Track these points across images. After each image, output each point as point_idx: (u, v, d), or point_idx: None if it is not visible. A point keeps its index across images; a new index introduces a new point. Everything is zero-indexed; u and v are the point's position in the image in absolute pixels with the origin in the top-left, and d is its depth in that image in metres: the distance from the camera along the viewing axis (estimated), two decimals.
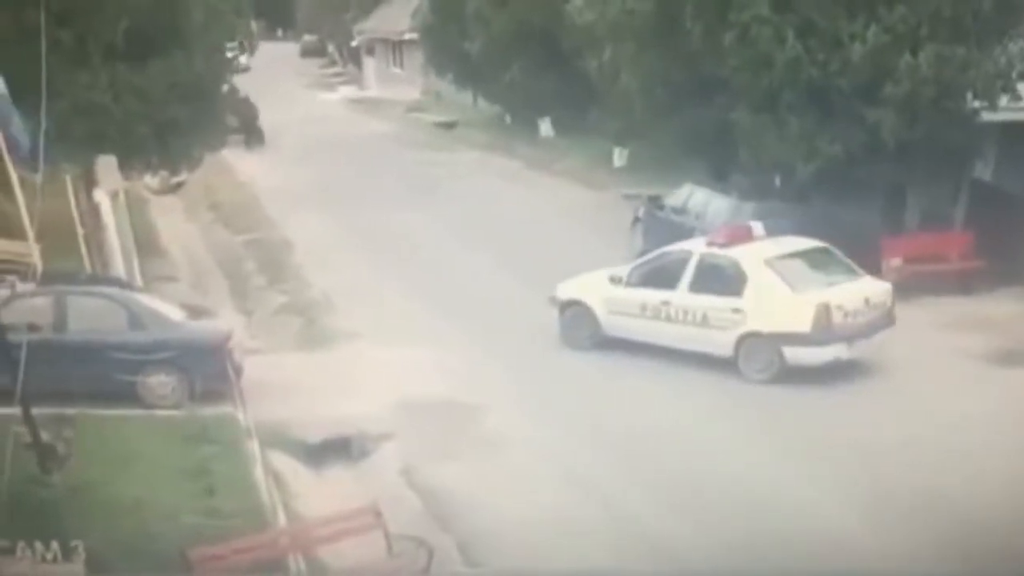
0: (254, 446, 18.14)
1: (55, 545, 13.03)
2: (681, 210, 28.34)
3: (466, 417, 19.81)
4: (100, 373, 19.12)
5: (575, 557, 15.21)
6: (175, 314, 20.87)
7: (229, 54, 31.08)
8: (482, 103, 56.54)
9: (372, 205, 36.84)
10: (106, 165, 26.20)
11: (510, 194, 39.23)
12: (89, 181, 27.41)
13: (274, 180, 42.63)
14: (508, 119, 53.29)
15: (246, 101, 45.39)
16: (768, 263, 21.68)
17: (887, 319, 21.75)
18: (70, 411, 16.70)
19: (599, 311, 22.97)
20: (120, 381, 19.34)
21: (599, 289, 23.04)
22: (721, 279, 21.79)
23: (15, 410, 14.63)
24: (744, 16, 25.34)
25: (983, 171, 27.60)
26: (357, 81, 79.97)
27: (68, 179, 27.21)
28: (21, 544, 12.97)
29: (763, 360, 21.09)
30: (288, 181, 42.28)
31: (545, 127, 49.48)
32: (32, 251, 18.41)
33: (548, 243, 30.47)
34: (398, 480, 17.90)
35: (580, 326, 23.20)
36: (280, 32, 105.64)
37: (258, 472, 17.22)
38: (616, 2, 29.28)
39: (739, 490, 16.78)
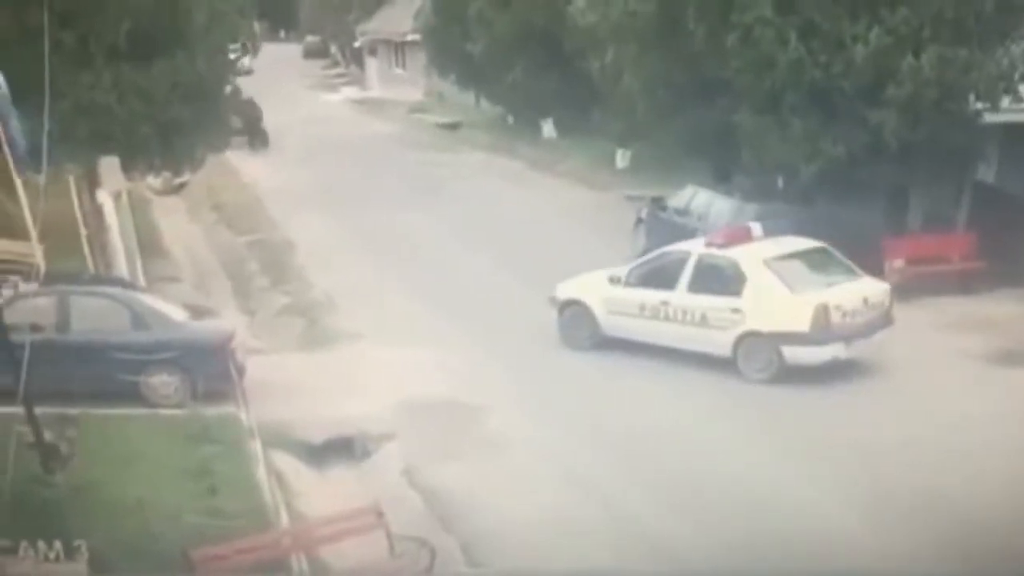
0: (256, 446, 18.16)
1: (58, 545, 13.06)
2: (684, 211, 28.36)
3: (467, 417, 19.83)
4: (103, 373, 19.17)
5: (576, 557, 15.21)
6: (178, 314, 20.90)
7: (232, 55, 31.06)
8: (485, 104, 56.56)
9: (375, 206, 36.87)
10: (109, 166, 26.24)
11: (513, 195, 39.24)
12: (92, 182, 27.45)
13: (277, 181, 42.67)
14: (511, 120, 53.32)
15: (250, 102, 45.47)
16: (767, 263, 21.72)
17: (886, 319, 21.78)
18: (73, 411, 16.72)
19: (598, 311, 23.00)
20: (123, 381, 19.38)
21: (598, 289, 23.07)
22: (720, 279, 21.82)
23: (18, 410, 14.64)
24: (747, 17, 25.35)
25: (985, 172, 27.60)
26: (360, 82, 80.00)
27: (71, 180, 27.30)
28: (24, 544, 12.99)
29: (762, 360, 21.12)
30: (291, 182, 42.32)
31: (548, 128, 49.51)
32: (35, 251, 18.41)
33: (550, 244, 30.49)
34: (400, 480, 17.92)
35: (579, 326, 23.23)
36: (283, 33, 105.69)
37: (260, 472, 17.24)
38: (618, 3, 29.27)
39: (739, 490, 16.80)
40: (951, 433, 18.36)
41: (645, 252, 25.21)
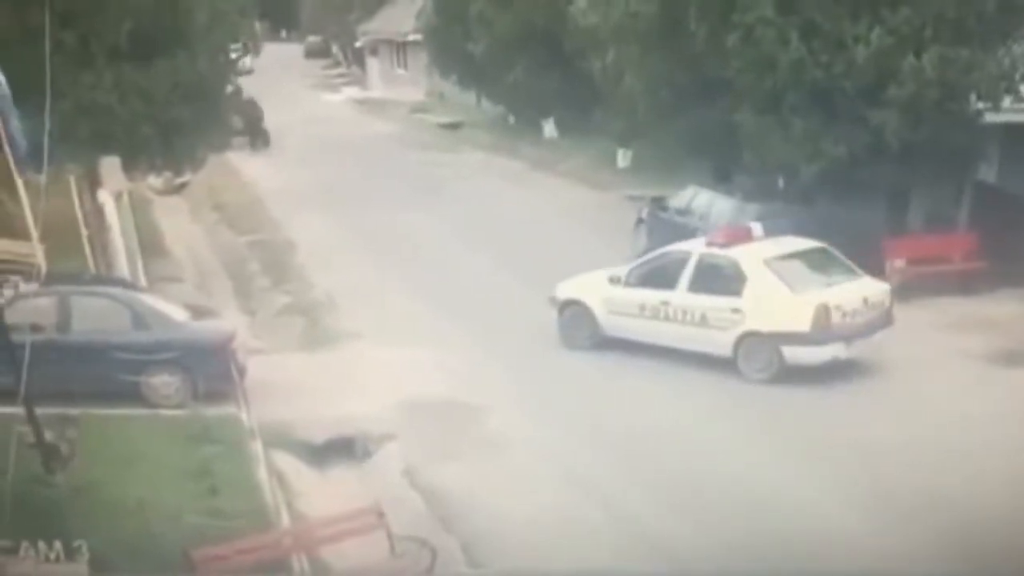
0: (257, 446, 18.17)
1: (58, 545, 13.06)
2: (685, 211, 28.36)
3: (468, 417, 19.84)
4: (104, 373, 19.18)
5: (576, 557, 15.22)
6: (179, 314, 20.90)
7: (233, 55, 31.06)
8: (486, 104, 56.54)
9: (376, 206, 36.87)
10: (110, 166, 26.26)
11: (514, 195, 39.26)
12: (93, 182, 27.46)
13: (278, 181, 42.67)
14: (512, 120, 53.32)
15: (251, 103, 45.46)
16: (767, 263, 21.72)
17: (886, 319, 21.79)
18: (74, 411, 16.68)
19: (598, 311, 23.00)
20: (124, 381, 19.39)
21: (598, 289, 23.07)
22: (720, 279, 21.83)
23: (19, 410, 14.62)
24: (748, 18, 25.35)
25: (987, 172, 27.59)
26: (361, 82, 80.00)
27: (72, 180, 27.28)
28: (25, 544, 12.99)
29: (762, 360, 21.13)
30: (292, 182, 42.32)
31: (549, 128, 49.51)
32: (36, 251, 18.40)
33: (551, 244, 30.49)
34: (401, 480, 17.92)
35: (579, 326, 23.23)
36: (284, 33, 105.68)
37: (261, 472, 17.25)
38: (620, 4, 29.27)
39: (739, 490, 16.80)
40: (951, 433, 18.36)
41: (646, 252, 25.20)
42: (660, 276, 22.47)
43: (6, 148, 15.28)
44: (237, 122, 39.22)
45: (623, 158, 41.20)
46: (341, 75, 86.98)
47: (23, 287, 18.64)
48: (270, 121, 51.38)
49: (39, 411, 15.00)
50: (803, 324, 20.89)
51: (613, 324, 22.87)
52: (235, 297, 28.80)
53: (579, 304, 23.24)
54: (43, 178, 16.25)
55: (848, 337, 21.08)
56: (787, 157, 26.13)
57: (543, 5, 44.63)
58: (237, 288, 29.69)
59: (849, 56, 25.05)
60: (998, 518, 15.63)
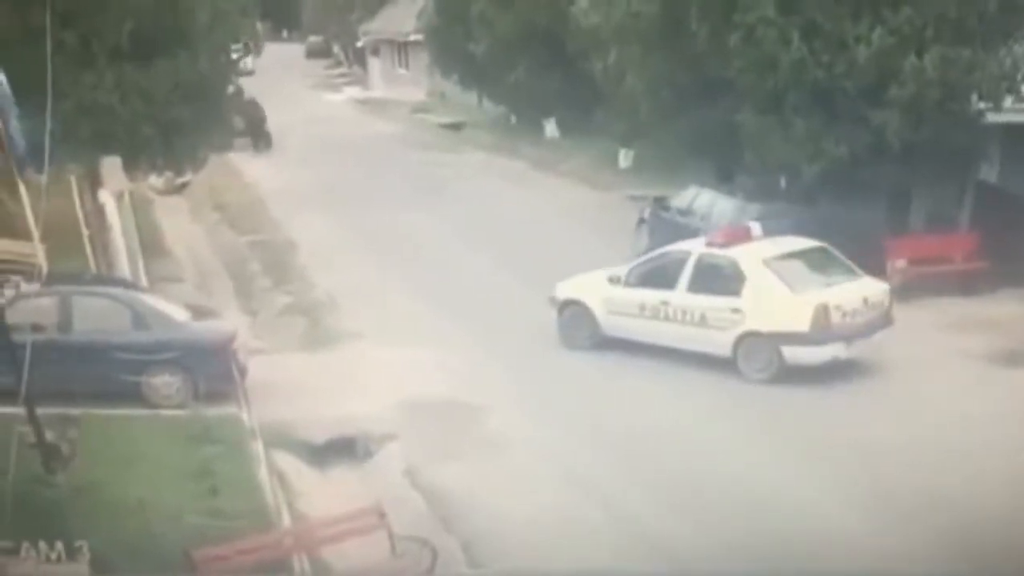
0: (258, 446, 18.16)
1: (59, 545, 13.04)
2: (686, 211, 28.36)
3: (469, 417, 19.84)
4: (104, 373, 19.19)
5: (577, 557, 15.22)
6: (180, 314, 20.89)
7: (234, 55, 31.06)
8: (487, 104, 56.54)
9: (377, 206, 36.87)
10: (111, 166, 26.25)
11: (515, 195, 39.25)
12: (94, 182, 27.46)
13: (279, 181, 42.66)
14: (513, 120, 53.32)
15: (254, 104, 45.43)
16: (767, 263, 21.73)
17: (885, 319, 21.79)
18: (74, 411, 16.68)
19: (598, 311, 23.00)
20: (124, 381, 19.39)
21: (598, 289, 23.07)
22: (720, 279, 21.83)
23: (20, 410, 14.63)
24: (749, 18, 25.33)
25: (988, 173, 27.59)
26: (362, 82, 79.99)
27: (73, 180, 27.30)
28: (26, 544, 12.98)
29: (762, 360, 21.13)
30: (293, 182, 42.31)
31: (550, 128, 49.51)
32: (37, 251, 18.41)
33: (553, 244, 30.49)
34: (402, 481, 17.92)
35: (579, 326, 23.23)
36: (285, 33, 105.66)
37: (262, 472, 17.24)
38: (621, 4, 29.26)
39: (739, 490, 16.79)
40: (952, 433, 18.36)
41: (647, 252, 25.21)
42: (659, 276, 22.46)
43: (10, 147, 15.28)
44: (239, 123, 39.22)
45: (625, 158, 41.20)
46: (342, 75, 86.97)
47: (24, 287, 18.71)
48: (271, 121, 51.39)
49: (40, 411, 15.01)
50: (803, 324, 20.89)
51: (613, 324, 22.87)
52: (236, 297, 28.79)
53: (579, 304, 23.24)
54: (44, 178, 16.26)
55: (848, 337, 21.08)
56: (788, 157, 26.11)
57: (544, 5, 44.61)
58: (238, 288, 29.69)
59: (850, 56, 25.04)
60: (998, 518, 15.62)
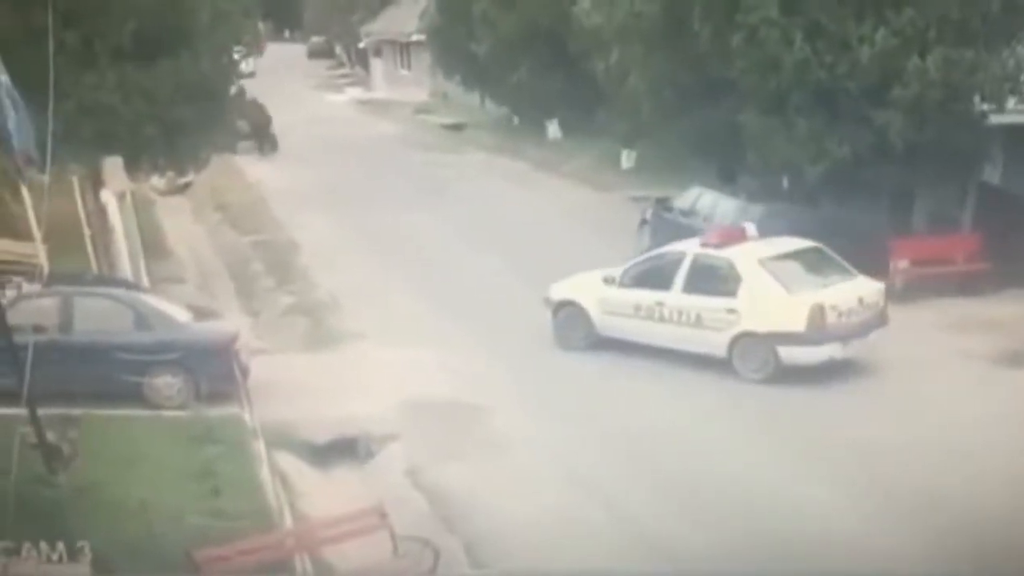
0: (260, 447, 18.15)
1: (61, 546, 13.01)
2: (689, 212, 28.36)
3: (471, 418, 19.84)
4: (106, 374, 19.17)
5: (578, 558, 15.22)
6: (181, 315, 20.87)
7: (236, 56, 31.05)
8: (489, 105, 56.52)
9: (379, 206, 36.87)
10: (113, 166, 26.23)
11: (517, 196, 39.25)
12: (96, 182, 27.46)
13: (281, 181, 42.66)
14: (516, 121, 53.32)
15: (259, 107, 45.28)
16: (762, 263, 21.74)
17: (880, 318, 21.81)
18: (76, 412, 16.67)
19: (593, 312, 23.00)
20: (126, 382, 19.36)
21: (593, 289, 23.07)
22: (715, 279, 21.85)
23: (21, 411, 14.61)
24: (752, 18, 25.31)
25: (991, 174, 27.58)
26: (364, 83, 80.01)
27: (75, 180, 27.28)
28: (27, 544, 12.96)
29: (758, 360, 21.13)
30: (295, 182, 42.31)
31: (552, 129, 49.50)
32: (39, 252, 18.43)
33: (555, 245, 30.47)
34: (404, 481, 17.91)
35: (574, 327, 23.23)
36: (287, 33, 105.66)
37: (264, 473, 17.22)
38: (624, 4, 29.23)
39: (737, 490, 16.81)
40: (952, 433, 18.34)
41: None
42: (655, 277, 22.47)
43: (12, 144, 15.26)
44: (244, 126, 39.22)
45: (627, 159, 41.19)
46: (344, 76, 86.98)
47: (26, 287, 18.74)
48: (274, 121, 51.30)
49: (41, 412, 15.00)
50: (799, 324, 20.90)
51: (608, 325, 22.87)
52: (238, 298, 28.80)
53: (574, 305, 23.25)
54: (46, 178, 16.25)
55: (844, 337, 21.11)
56: (791, 158, 26.10)
57: (547, 5, 44.60)
58: (240, 289, 29.69)
59: (853, 57, 25.02)
60: (999, 519, 15.62)
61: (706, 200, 28.20)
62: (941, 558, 14.91)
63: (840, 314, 21.17)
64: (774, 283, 21.48)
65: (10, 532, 12.92)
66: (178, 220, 37.54)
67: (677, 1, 27.09)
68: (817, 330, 20.91)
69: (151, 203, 37.96)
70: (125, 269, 24.96)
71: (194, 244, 34.80)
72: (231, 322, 23.05)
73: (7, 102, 15.14)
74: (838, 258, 22.27)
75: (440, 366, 22.08)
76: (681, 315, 21.83)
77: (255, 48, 35.94)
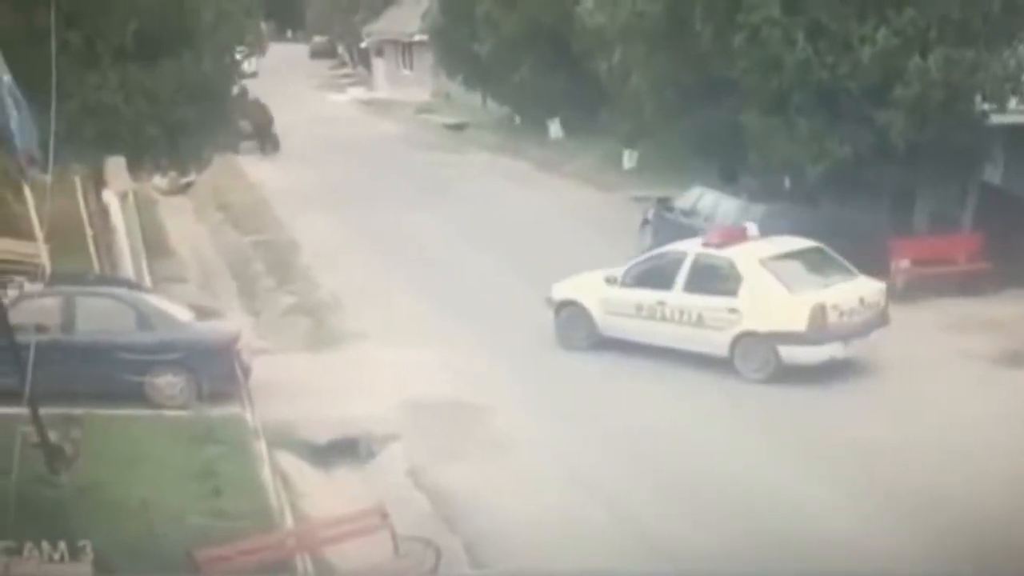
0: (261, 447, 18.16)
1: (62, 545, 13.03)
2: (690, 212, 28.36)
3: (473, 418, 19.85)
4: (108, 373, 19.18)
5: (580, 558, 15.24)
6: (183, 315, 20.87)
7: (239, 56, 31.09)
8: (492, 104, 56.54)
9: (381, 206, 36.87)
10: (115, 166, 26.25)
11: (519, 196, 39.24)
12: (98, 182, 27.48)
13: (283, 181, 42.67)
14: (518, 120, 53.30)
15: (261, 107, 45.27)
16: (763, 263, 21.76)
17: (882, 318, 21.83)
18: (78, 411, 16.69)
19: (595, 311, 23.01)
20: (128, 381, 19.38)
21: (595, 289, 23.09)
22: (716, 279, 21.87)
23: (23, 410, 14.63)
24: (754, 18, 25.33)
25: (992, 173, 27.58)
26: (367, 82, 79.99)
27: (77, 180, 27.30)
28: (29, 544, 12.97)
29: (759, 359, 21.15)
30: (297, 182, 42.32)
31: (555, 128, 49.48)
32: (41, 252, 18.47)
33: (557, 245, 30.46)
34: (405, 481, 17.92)
35: (576, 327, 23.25)
36: (290, 33, 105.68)
37: (265, 473, 17.23)
38: (626, 4, 29.24)
39: (738, 490, 16.83)
40: (953, 433, 18.35)
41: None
42: (656, 276, 22.49)
43: (16, 142, 15.28)
44: (246, 126, 39.22)
45: (629, 159, 41.19)
46: (347, 75, 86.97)
47: (28, 287, 18.75)
48: (276, 121, 51.31)
49: (43, 411, 15.01)
50: (799, 324, 20.92)
51: (610, 324, 22.88)
52: (240, 297, 28.82)
53: (575, 305, 23.26)
54: (48, 178, 16.27)
55: (845, 336, 21.13)
56: (792, 157, 26.12)
57: (549, 5, 44.59)
58: (242, 288, 29.72)
59: (855, 57, 25.04)
60: (999, 519, 15.63)
61: (708, 200, 28.21)
62: (941, 558, 14.92)
63: (841, 314, 21.19)
64: (775, 283, 21.50)
65: (12, 532, 12.93)
66: (180, 220, 37.56)
67: (679, 1, 27.11)
68: (818, 330, 20.93)
69: (153, 203, 37.98)
70: (127, 269, 24.98)
71: (196, 244, 34.83)
72: (233, 322, 23.04)
73: (9, 102, 15.13)
74: (839, 258, 22.28)
75: (442, 366, 22.10)
76: (682, 315, 21.85)
77: (257, 48, 35.84)
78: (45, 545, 12.98)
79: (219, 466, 16.95)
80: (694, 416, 19.75)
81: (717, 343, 21.45)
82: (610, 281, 22.98)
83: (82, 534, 13.30)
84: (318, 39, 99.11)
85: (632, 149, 40.55)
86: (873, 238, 25.05)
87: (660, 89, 29.29)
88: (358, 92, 76.62)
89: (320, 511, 16.71)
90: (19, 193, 17.08)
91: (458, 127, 56.90)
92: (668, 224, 28.41)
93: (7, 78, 15.33)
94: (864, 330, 21.41)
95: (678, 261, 22.38)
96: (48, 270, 19.03)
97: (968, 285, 25.47)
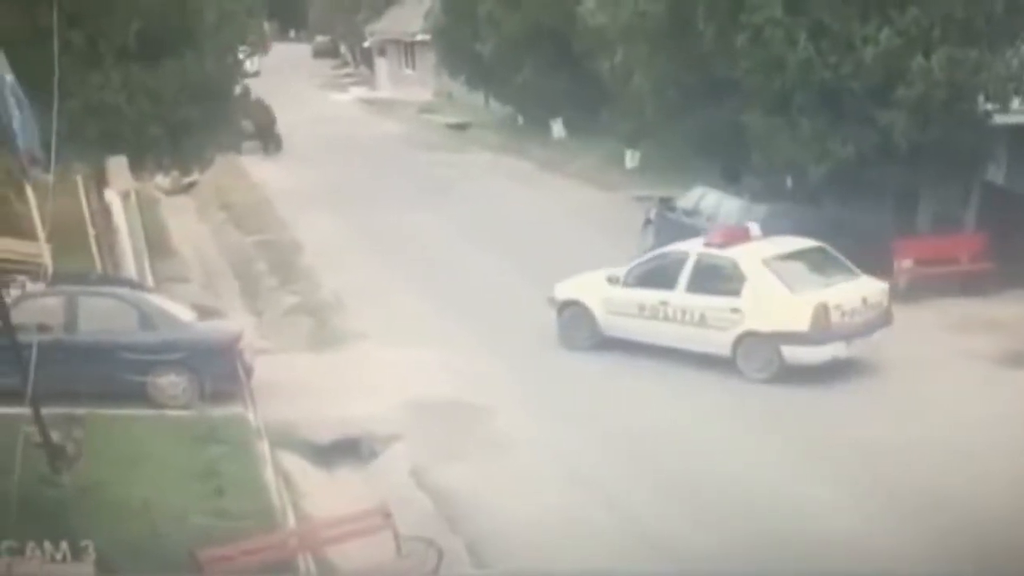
0: (264, 447, 18.16)
1: (64, 545, 13.03)
2: (692, 212, 28.34)
3: (475, 418, 19.84)
4: (110, 373, 19.19)
5: (581, 558, 15.23)
6: (186, 314, 20.88)
7: (241, 55, 31.09)
8: (494, 104, 56.55)
9: (383, 206, 36.87)
10: (117, 165, 26.21)
11: (522, 195, 39.24)
12: (100, 181, 27.43)
13: (285, 181, 42.68)
14: (520, 120, 53.30)
15: (264, 107, 45.30)
16: (766, 263, 21.75)
17: (884, 318, 21.81)
18: (80, 411, 16.71)
19: (597, 311, 23.01)
20: (130, 381, 19.39)
21: (597, 289, 23.09)
22: (719, 279, 21.87)
23: (25, 410, 14.63)
24: (756, 18, 25.33)
25: (995, 174, 27.56)
26: (369, 82, 80.00)
27: (79, 179, 27.27)
28: (31, 544, 12.97)
29: (762, 359, 21.15)
30: (299, 182, 42.33)
31: (557, 128, 49.48)
32: (43, 251, 18.38)
33: (559, 244, 30.45)
34: (407, 481, 17.91)
35: (578, 326, 23.24)
36: (292, 33, 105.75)
37: (268, 473, 17.23)
38: (628, 4, 29.25)
39: (739, 490, 16.82)
40: (955, 433, 18.34)
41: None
42: (659, 276, 22.49)
43: (18, 143, 15.26)
44: (248, 126, 39.21)
45: (631, 159, 41.19)
46: (349, 75, 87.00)
47: (30, 287, 18.66)
48: (278, 121, 51.32)
49: (45, 411, 15.00)
50: (802, 324, 20.91)
51: (612, 324, 22.88)
52: (242, 297, 28.83)
53: (578, 304, 23.25)
54: (50, 178, 16.25)
55: (847, 336, 21.12)
56: (795, 157, 26.11)
57: (551, 5, 44.58)
58: (244, 288, 29.72)
59: (857, 57, 25.02)
60: (1002, 519, 15.62)
61: (710, 200, 28.19)
62: (944, 558, 14.91)
63: (844, 314, 21.18)
64: (778, 283, 21.49)
65: (14, 531, 12.94)
66: (182, 219, 37.57)
67: (681, 1, 27.11)
68: (821, 330, 20.92)
69: (155, 202, 37.97)
70: (129, 268, 24.97)
71: (198, 243, 34.83)
72: (235, 322, 23.03)
73: (12, 101, 15.11)
74: (842, 258, 22.27)
75: (444, 366, 22.09)
76: (685, 314, 21.85)
77: (260, 48, 35.88)
78: (47, 545, 12.98)
79: (221, 466, 16.95)
80: (697, 416, 19.74)
81: (719, 343, 21.45)
82: (612, 281, 22.97)
83: (84, 534, 13.30)
84: (320, 39, 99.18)
85: (634, 149, 40.57)
86: (876, 238, 25.04)
87: (662, 89, 29.30)
88: (360, 92, 76.64)
89: (322, 511, 16.70)
90: (21, 192, 17.01)
91: (460, 127, 56.91)
92: (670, 224, 28.38)
93: (9, 77, 15.31)
94: (867, 330, 21.40)
95: (680, 261, 22.38)
96: (50, 270, 18.89)
97: (971, 285, 25.45)
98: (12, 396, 14.70)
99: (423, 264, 29.88)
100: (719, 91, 27.20)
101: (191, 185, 40.54)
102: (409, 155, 48.88)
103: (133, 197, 27.79)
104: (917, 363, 21.45)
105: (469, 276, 28.49)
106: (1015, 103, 25.49)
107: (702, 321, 21.64)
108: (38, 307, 18.53)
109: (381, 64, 78.33)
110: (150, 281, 25.28)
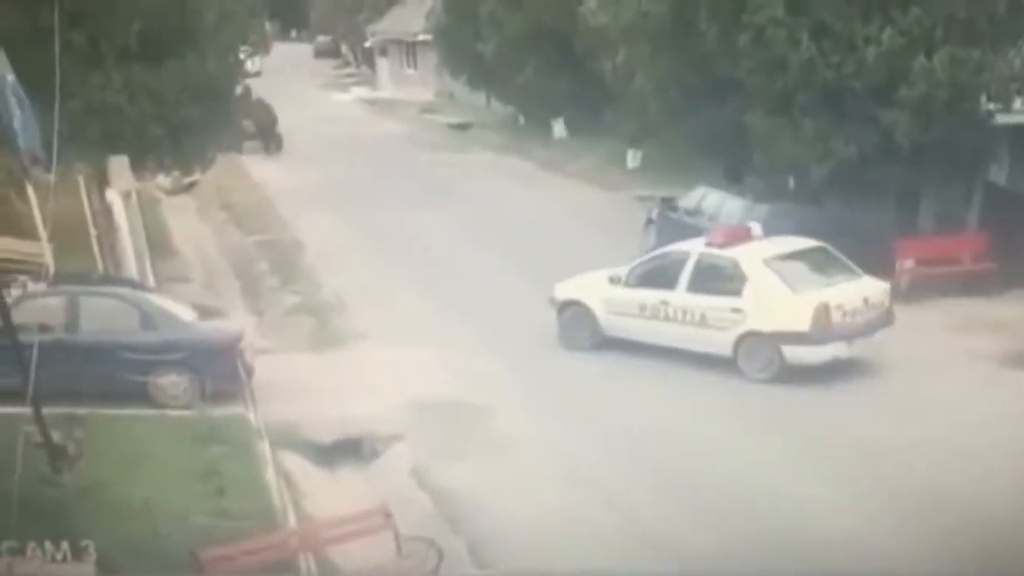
0: (265, 447, 18.15)
1: (65, 545, 13.02)
2: (695, 212, 28.33)
3: (475, 418, 19.83)
4: (111, 373, 19.18)
5: (581, 558, 15.22)
6: (187, 314, 20.87)
7: (242, 55, 31.09)
8: (496, 104, 56.55)
9: (385, 206, 36.86)
10: (119, 165, 26.22)
11: (523, 195, 39.23)
12: (102, 181, 27.45)
13: (287, 181, 42.67)
14: (522, 120, 53.30)
15: (265, 107, 45.30)
16: (767, 263, 21.75)
17: (886, 318, 21.81)
18: (81, 411, 16.71)
19: (598, 311, 23.00)
20: (131, 381, 19.38)
21: (598, 289, 23.08)
22: (720, 279, 21.87)
23: (26, 410, 14.62)
24: (759, 18, 25.33)
25: (997, 174, 27.55)
26: (370, 82, 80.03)
27: (81, 179, 27.29)
28: (32, 544, 12.97)
29: (763, 359, 21.15)
30: (301, 182, 42.32)
31: (559, 128, 49.47)
32: (44, 251, 18.37)
33: (561, 244, 30.44)
34: (408, 481, 17.91)
35: (579, 326, 23.23)
36: (294, 33, 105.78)
37: (269, 473, 17.22)
38: (630, 4, 29.25)
39: (740, 490, 16.81)
40: (958, 433, 18.34)
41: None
42: (660, 276, 22.48)
43: (19, 143, 15.26)
44: (250, 126, 39.20)
45: (633, 158, 41.17)
46: (351, 75, 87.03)
47: (31, 287, 18.65)
48: (280, 121, 51.32)
49: (46, 411, 15.00)
50: (803, 323, 20.91)
51: (613, 324, 22.87)
52: (243, 297, 28.80)
53: (579, 304, 23.24)
54: (52, 178, 16.24)
55: (849, 336, 21.11)
56: (797, 157, 26.11)
57: (553, 5, 44.60)
58: (245, 288, 29.70)
59: (860, 56, 25.02)
60: (1004, 519, 15.62)
61: (712, 200, 28.18)
62: (946, 558, 14.90)
63: (845, 314, 21.18)
64: (779, 283, 21.48)
65: (15, 531, 12.93)
66: (183, 219, 37.55)
67: (684, 1, 27.11)
68: (822, 330, 20.92)
69: (157, 202, 37.97)
70: (131, 268, 24.96)
71: (199, 243, 34.81)
72: (236, 321, 23.01)
73: (13, 101, 15.11)
74: (843, 258, 22.27)
75: (445, 366, 22.08)
76: (686, 314, 21.84)
77: (261, 48, 35.85)
78: (48, 545, 12.98)
79: (222, 466, 16.94)
80: (697, 416, 19.74)
81: (721, 343, 21.44)
82: (613, 281, 22.96)
83: (85, 534, 13.30)
84: (322, 39, 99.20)
85: (636, 149, 40.55)
86: (878, 238, 25.03)
87: (664, 89, 29.29)
88: (362, 92, 76.65)
89: (323, 511, 16.71)
90: (22, 192, 17.01)
91: (462, 127, 56.91)
92: (672, 224, 28.37)
93: (11, 77, 15.31)
94: (868, 330, 21.39)
95: (682, 261, 22.37)
96: (51, 270, 18.90)
97: (973, 285, 25.44)
98: (13, 396, 14.70)
99: (424, 264, 29.87)
100: (721, 91, 27.20)
101: (192, 185, 40.51)
102: (410, 155, 48.88)
103: (134, 197, 27.79)
104: (919, 363, 21.45)
105: (470, 276, 28.48)
106: (1017, 103, 25.52)
107: (703, 321, 21.63)
108: (39, 307, 18.52)
109: (383, 64, 78.35)
110: (151, 281, 25.27)
